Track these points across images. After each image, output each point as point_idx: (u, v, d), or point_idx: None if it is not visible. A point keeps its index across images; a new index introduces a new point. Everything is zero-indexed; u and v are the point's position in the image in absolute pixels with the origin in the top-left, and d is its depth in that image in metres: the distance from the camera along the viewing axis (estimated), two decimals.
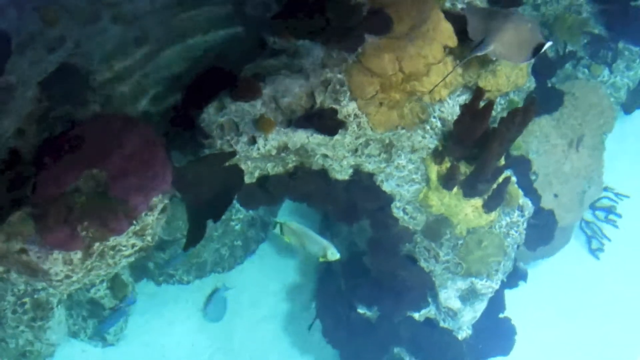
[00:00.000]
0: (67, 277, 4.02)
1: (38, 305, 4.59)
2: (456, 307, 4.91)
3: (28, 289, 4.47)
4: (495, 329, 5.18)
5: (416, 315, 5.02)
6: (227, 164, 4.28)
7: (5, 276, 4.27)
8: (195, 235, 4.33)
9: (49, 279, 4.01)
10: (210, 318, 5.89)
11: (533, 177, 5.45)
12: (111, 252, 4.07)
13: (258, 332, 5.94)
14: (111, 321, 5.43)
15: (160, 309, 5.93)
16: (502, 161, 4.65)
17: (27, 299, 4.56)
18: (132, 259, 4.25)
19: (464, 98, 4.61)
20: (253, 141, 4.20)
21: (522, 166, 5.31)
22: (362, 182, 4.60)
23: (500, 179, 4.60)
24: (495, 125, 4.42)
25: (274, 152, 4.24)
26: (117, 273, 5.35)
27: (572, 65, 6.15)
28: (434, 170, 4.61)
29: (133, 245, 4.13)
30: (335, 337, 5.41)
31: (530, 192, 5.16)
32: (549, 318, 6.16)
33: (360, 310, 5.20)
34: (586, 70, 6.21)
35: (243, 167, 4.39)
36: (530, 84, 5.30)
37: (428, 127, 4.51)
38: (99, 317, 5.46)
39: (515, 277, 5.30)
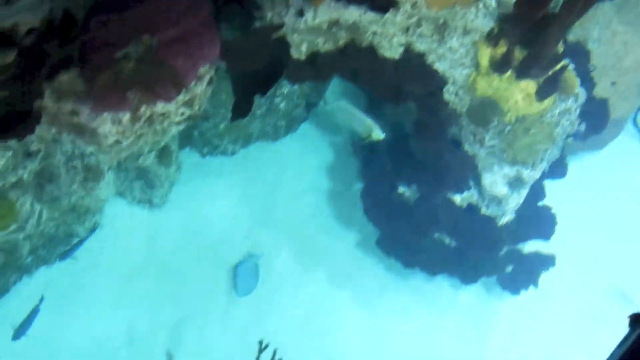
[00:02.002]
0: (117, 142, 4.12)
1: (89, 169, 4.75)
2: (500, 193, 4.91)
3: (76, 151, 4.60)
4: (535, 216, 5.21)
5: (457, 199, 5.04)
6: (275, 37, 4.22)
7: (57, 137, 4.40)
8: (241, 108, 4.35)
9: (98, 142, 4.12)
10: (241, 292, 5.56)
11: (591, 68, 5.24)
12: (160, 119, 4.13)
13: (298, 206, 6.06)
14: None
15: (203, 179, 6.08)
16: (561, 47, 4.48)
17: (77, 162, 4.72)
18: (180, 127, 4.31)
19: None
20: (301, 14, 4.11)
21: (580, 55, 5.11)
22: (412, 61, 4.50)
23: (557, 67, 4.44)
24: (556, 10, 4.22)
25: (324, 26, 4.15)
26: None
27: None
28: (486, 54, 4.47)
29: (182, 114, 4.18)
30: (376, 216, 5.50)
31: (586, 80, 4.99)
32: (592, 211, 6.14)
33: (401, 190, 5.23)
34: None
35: (291, 40, 4.31)
36: None
37: (482, 6, 4.35)
38: (146, 178, 5.63)
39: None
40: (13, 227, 4.75)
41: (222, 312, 5.55)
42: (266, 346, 4.02)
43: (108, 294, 5.48)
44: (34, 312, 5.03)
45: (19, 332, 4.97)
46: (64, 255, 5.29)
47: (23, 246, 5.10)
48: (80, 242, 5.29)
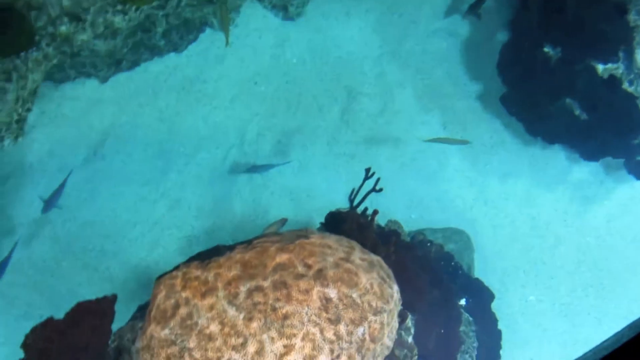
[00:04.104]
0: None
1: None
2: None
3: None
4: None
5: (600, 69, 4.67)
6: None
7: None
8: None
9: None
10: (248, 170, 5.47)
11: None
12: None
13: (431, 45, 5.85)
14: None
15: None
16: None
17: None
18: None
19: None
20: None
21: None
22: None
23: None
24: None
25: None
26: None
27: None
28: None
29: None
30: (509, 72, 5.24)
31: None
32: None
33: (545, 49, 4.90)
34: None
35: None
36: None
37: None
38: None
39: None
40: (156, 3, 4.84)
41: (332, 134, 5.62)
42: (372, 174, 4.04)
43: (229, 90, 5.64)
44: (62, 185, 5.05)
45: (49, 204, 4.99)
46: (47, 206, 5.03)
47: (159, 24, 5.24)
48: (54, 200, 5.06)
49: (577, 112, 4.92)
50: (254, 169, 5.39)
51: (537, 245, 5.33)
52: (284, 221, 4.45)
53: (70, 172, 5.22)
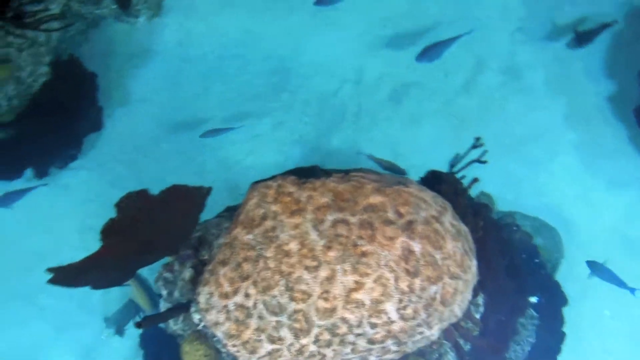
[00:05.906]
0: None
1: None
2: None
3: None
4: None
5: None
6: None
7: None
8: None
9: None
10: None
11: None
12: None
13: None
14: None
15: None
16: None
17: None
18: None
19: None
20: None
21: None
22: None
23: None
24: None
25: None
26: None
27: None
28: None
29: None
30: None
31: None
32: None
33: None
34: None
35: None
36: None
37: None
38: None
39: None
40: None
41: (448, 96, 5.49)
42: (480, 145, 3.93)
43: (353, 28, 5.57)
44: (26, 190, 4.94)
45: (4, 200, 4.90)
46: None
47: None
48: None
49: None
50: (206, 134, 5.13)
51: (628, 268, 5.08)
52: (398, 169, 4.43)
53: (37, 186, 5.14)
